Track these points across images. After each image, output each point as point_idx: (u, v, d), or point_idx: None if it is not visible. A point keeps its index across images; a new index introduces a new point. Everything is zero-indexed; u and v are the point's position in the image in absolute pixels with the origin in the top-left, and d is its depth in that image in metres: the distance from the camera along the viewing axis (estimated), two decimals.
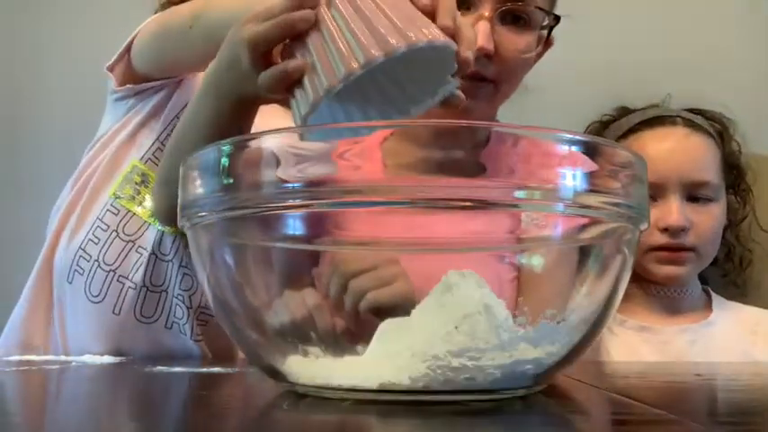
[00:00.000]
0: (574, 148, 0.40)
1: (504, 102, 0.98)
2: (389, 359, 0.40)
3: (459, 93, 0.55)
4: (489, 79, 0.88)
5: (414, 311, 0.42)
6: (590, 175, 0.40)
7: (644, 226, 0.44)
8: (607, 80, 1.32)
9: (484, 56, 0.85)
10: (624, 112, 1.19)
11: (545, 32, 0.92)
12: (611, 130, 1.17)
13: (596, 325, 0.43)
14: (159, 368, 0.71)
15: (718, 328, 1.08)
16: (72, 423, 0.40)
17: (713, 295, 1.14)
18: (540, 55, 0.96)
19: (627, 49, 1.35)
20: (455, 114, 0.91)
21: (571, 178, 0.39)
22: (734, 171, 1.15)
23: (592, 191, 0.40)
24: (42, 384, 0.58)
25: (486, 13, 0.85)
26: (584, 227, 0.43)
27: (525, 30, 0.89)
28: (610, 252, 0.44)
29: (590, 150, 0.40)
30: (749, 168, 1.17)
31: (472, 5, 0.86)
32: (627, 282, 0.44)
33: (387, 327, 0.43)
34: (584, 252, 0.44)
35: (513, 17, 0.88)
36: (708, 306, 1.12)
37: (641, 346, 1.05)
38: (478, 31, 0.84)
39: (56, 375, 0.64)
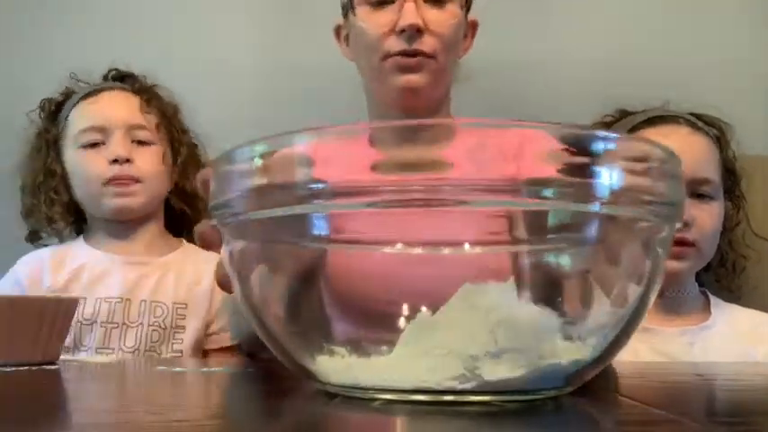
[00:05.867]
0: (609, 146, 0.39)
1: (449, 84, 1.04)
2: (420, 359, 0.39)
3: None
4: (428, 53, 0.98)
5: (440, 311, 0.41)
6: (624, 173, 0.39)
7: (679, 224, 0.43)
8: (605, 83, 1.32)
9: (416, 31, 0.97)
10: (624, 114, 1.19)
11: (465, 7, 1.04)
12: (614, 130, 1.17)
13: (628, 325, 0.42)
14: (159, 368, 0.72)
15: (717, 330, 1.08)
16: (77, 422, 0.40)
17: (711, 297, 1.14)
18: (471, 36, 1.09)
19: (624, 52, 1.36)
20: (411, 98, 0.99)
21: (606, 176, 0.38)
22: (730, 177, 1.16)
23: (625, 188, 0.39)
24: (44, 384, 0.58)
25: None
26: (616, 225, 0.42)
27: (448, 3, 1.01)
28: (642, 251, 0.43)
29: (622, 147, 0.40)
30: (743, 170, 1.17)
31: None
32: (660, 281, 0.43)
33: (414, 326, 0.42)
34: (615, 251, 0.43)
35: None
36: (706, 308, 1.12)
37: (640, 347, 1.05)
38: (405, 11, 0.97)
39: (56, 375, 0.64)
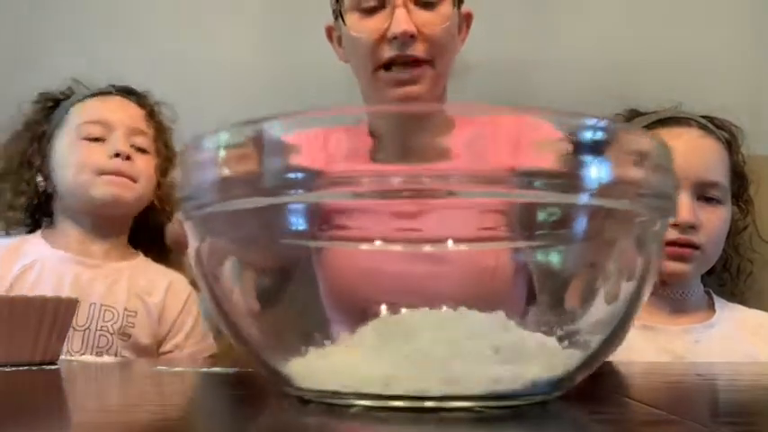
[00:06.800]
0: (597, 135, 0.37)
1: (445, 82, 1.03)
2: (400, 363, 0.38)
3: None
4: (423, 59, 0.96)
5: (420, 313, 0.40)
6: (613, 164, 0.37)
7: (671, 218, 0.41)
8: (611, 83, 1.32)
9: (410, 37, 0.94)
10: (634, 114, 1.19)
11: (458, 5, 1.01)
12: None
13: (619, 327, 0.40)
14: (159, 367, 0.72)
15: (721, 328, 1.08)
16: (77, 422, 0.39)
17: (715, 297, 1.14)
18: (466, 29, 1.06)
19: (632, 53, 1.35)
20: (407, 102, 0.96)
21: (594, 166, 0.36)
22: (739, 181, 1.16)
23: (616, 180, 0.37)
24: (44, 384, 0.58)
25: (399, 1, 0.95)
26: (605, 219, 0.40)
27: (439, 4, 0.98)
28: (634, 247, 0.41)
29: (612, 137, 0.38)
30: (753, 173, 1.17)
31: (386, 1, 0.96)
32: (654, 278, 0.41)
33: (392, 326, 0.40)
34: (605, 247, 0.41)
35: (423, 1, 0.97)
36: (710, 307, 1.13)
37: (644, 345, 1.05)
38: (397, 17, 0.94)
39: (56, 375, 0.64)
